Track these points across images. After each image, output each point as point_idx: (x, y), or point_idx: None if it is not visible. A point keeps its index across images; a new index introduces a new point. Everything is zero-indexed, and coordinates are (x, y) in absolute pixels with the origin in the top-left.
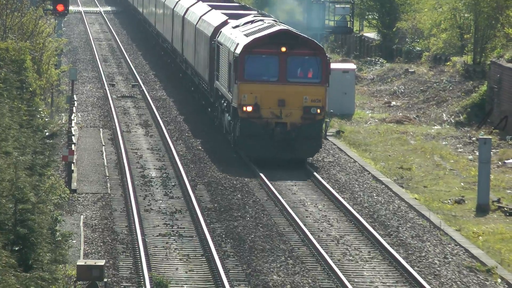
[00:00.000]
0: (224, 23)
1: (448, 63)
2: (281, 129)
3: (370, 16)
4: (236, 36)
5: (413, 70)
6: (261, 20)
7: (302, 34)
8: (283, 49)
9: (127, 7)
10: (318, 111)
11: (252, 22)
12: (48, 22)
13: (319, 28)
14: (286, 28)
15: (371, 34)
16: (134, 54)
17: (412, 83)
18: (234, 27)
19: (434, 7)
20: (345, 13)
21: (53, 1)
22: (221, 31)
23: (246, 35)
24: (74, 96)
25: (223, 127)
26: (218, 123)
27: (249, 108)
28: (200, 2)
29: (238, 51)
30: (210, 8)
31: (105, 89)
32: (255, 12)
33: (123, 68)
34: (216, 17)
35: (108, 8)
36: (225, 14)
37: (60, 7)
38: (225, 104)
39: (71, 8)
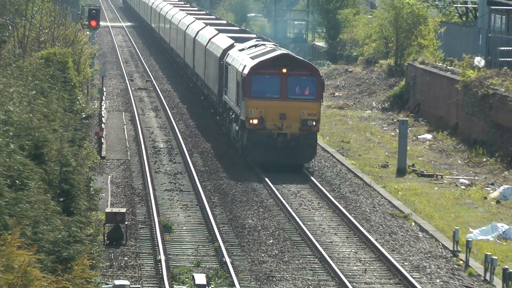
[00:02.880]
0: (231, 46)
1: (377, 64)
2: (282, 138)
3: (320, 30)
4: (243, 59)
5: (351, 70)
6: (263, 44)
7: (300, 58)
8: (284, 70)
9: (142, 22)
10: (314, 123)
11: (255, 46)
12: (84, 33)
13: (282, 38)
14: (286, 52)
15: (320, 43)
16: (147, 57)
17: (350, 79)
18: (240, 50)
19: (366, 23)
20: (301, 28)
21: (88, 18)
22: (228, 53)
23: (252, 58)
24: (104, 88)
25: (231, 134)
26: (226, 131)
27: (255, 121)
28: (208, 26)
29: (245, 72)
30: (217, 32)
31: (126, 83)
32: (255, 36)
33: (139, 68)
34: (223, 40)
35: (129, 24)
36: (231, 37)
37: (93, 23)
38: (233, 116)
39: (101, 23)
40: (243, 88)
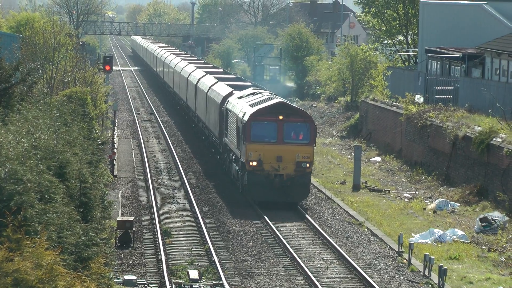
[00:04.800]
0: (230, 93)
1: (336, 101)
2: (279, 179)
3: (290, 73)
4: (243, 106)
5: (315, 105)
6: (260, 93)
7: (295, 106)
8: (280, 117)
9: (147, 67)
10: (307, 165)
11: (253, 94)
12: (100, 76)
13: (260, 80)
14: (282, 100)
15: (291, 83)
16: (151, 95)
17: (315, 113)
18: (239, 98)
19: (328, 68)
20: (275, 71)
21: (103, 63)
22: (228, 100)
23: (251, 106)
24: (116, 120)
25: (231, 174)
26: (226, 170)
27: (254, 163)
28: (208, 74)
29: (245, 118)
30: (216, 80)
31: (134, 116)
32: (250, 84)
33: (144, 104)
34: (223, 88)
35: (136, 68)
36: (229, 85)
37: (107, 67)
38: (233, 157)
39: (114, 68)
40: (243, 133)
